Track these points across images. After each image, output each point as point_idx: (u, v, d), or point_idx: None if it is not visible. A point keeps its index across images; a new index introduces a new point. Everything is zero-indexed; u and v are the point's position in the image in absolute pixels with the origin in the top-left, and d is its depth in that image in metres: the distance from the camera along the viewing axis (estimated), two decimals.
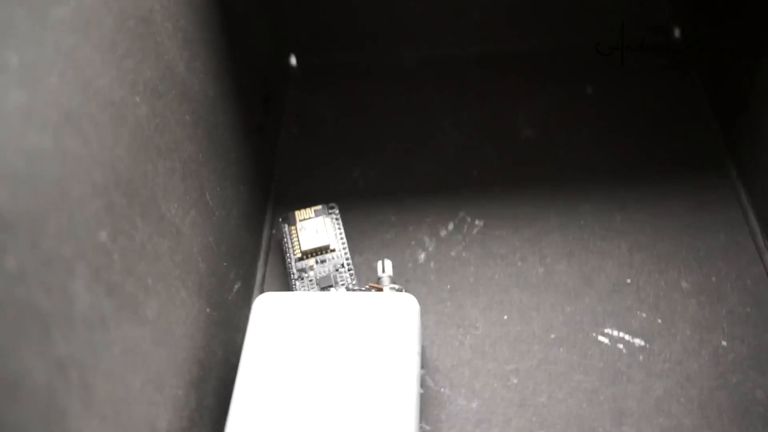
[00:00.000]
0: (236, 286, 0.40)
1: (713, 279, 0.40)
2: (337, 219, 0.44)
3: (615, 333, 0.38)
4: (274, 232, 0.46)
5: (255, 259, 0.44)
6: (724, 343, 0.37)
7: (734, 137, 0.45)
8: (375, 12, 0.52)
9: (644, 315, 0.39)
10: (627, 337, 0.38)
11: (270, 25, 0.53)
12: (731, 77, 0.46)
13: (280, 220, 0.44)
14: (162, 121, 0.32)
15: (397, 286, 0.39)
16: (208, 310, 0.36)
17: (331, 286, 0.41)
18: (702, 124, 0.48)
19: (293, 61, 0.56)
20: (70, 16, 0.25)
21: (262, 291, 0.43)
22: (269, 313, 0.35)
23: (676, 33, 0.53)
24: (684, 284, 0.40)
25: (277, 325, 0.35)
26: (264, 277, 0.44)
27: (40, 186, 0.22)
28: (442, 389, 0.37)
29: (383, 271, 0.40)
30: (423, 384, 0.38)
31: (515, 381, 0.37)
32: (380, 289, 0.38)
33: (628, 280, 0.41)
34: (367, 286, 0.39)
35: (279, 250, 0.45)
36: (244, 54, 0.45)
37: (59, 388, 0.22)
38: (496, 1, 0.52)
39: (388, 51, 0.55)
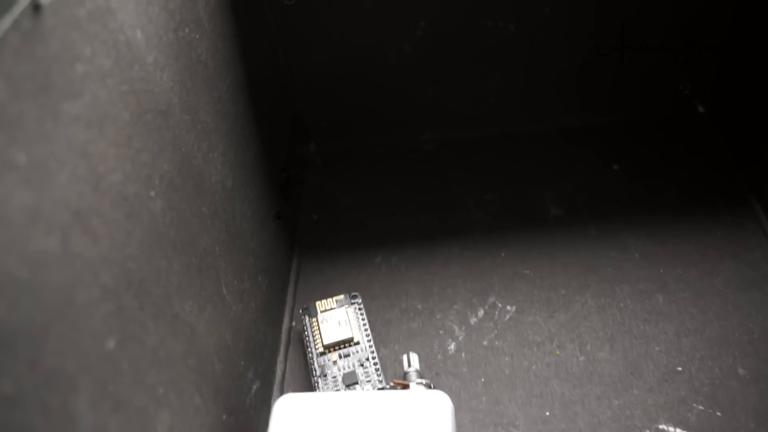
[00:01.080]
0: (255, 387, 0.37)
1: None
2: (360, 309, 0.41)
3: (671, 429, 0.35)
4: (293, 324, 0.43)
5: (275, 354, 0.41)
6: None
7: None
8: (393, 98, 0.52)
9: (701, 407, 0.36)
10: None
11: (290, 113, 0.53)
12: (764, 148, 0.44)
13: (301, 311, 0.42)
14: (178, 214, 0.31)
15: (425, 381, 0.36)
16: (224, 416, 0.33)
17: (356, 383, 0.38)
18: (737, 198, 0.46)
19: (312, 147, 0.55)
20: (85, 112, 0.24)
21: (282, 389, 0.40)
22: (290, 416, 0.33)
23: (700, 108, 0.52)
24: (741, 371, 0.37)
25: (299, 429, 0.32)
26: (284, 373, 0.41)
27: (43, 295, 0.20)
28: None
29: (409, 365, 0.37)
30: None
31: None
32: (407, 386, 0.35)
33: (679, 368, 0.37)
34: (392, 383, 0.36)
35: (300, 343, 0.42)
36: (263, 142, 0.45)
37: None
38: (512, 85, 0.51)
39: (407, 135, 0.54)
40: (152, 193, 0.28)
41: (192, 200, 0.32)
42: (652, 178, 0.48)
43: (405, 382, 0.36)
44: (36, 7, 0.22)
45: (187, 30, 0.34)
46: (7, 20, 0.20)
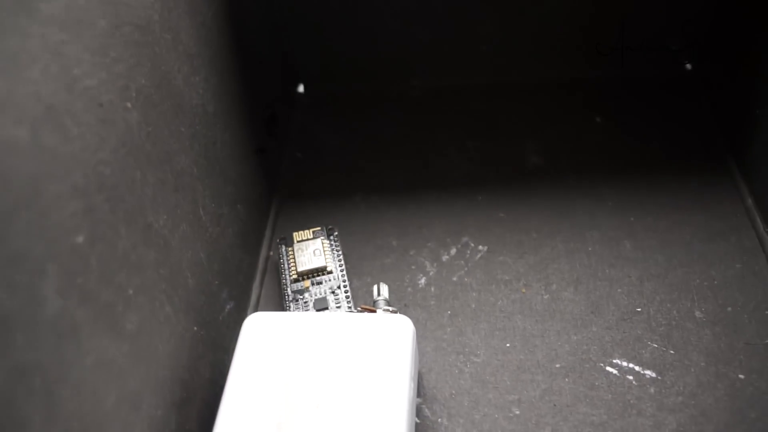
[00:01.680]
0: (228, 306, 0.39)
1: (729, 309, 0.38)
2: (336, 241, 0.43)
3: (624, 364, 0.36)
4: (271, 253, 0.45)
5: (250, 279, 0.43)
6: (741, 376, 0.35)
7: (748, 164, 0.44)
8: (382, 44, 0.52)
9: (655, 345, 0.37)
10: (637, 368, 0.36)
11: (278, 52, 0.53)
12: (743, 106, 0.44)
13: (278, 241, 0.43)
14: (154, 130, 0.31)
15: (391, 309, 0.37)
16: (195, 328, 0.34)
17: (326, 308, 0.39)
18: (715, 152, 0.47)
19: (301, 88, 0.55)
20: (60, 12, 0.24)
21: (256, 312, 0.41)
22: (259, 333, 0.34)
23: (688, 66, 0.52)
24: (698, 314, 0.38)
25: (267, 345, 0.33)
26: (259, 298, 0.42)
27: (12, 179, 0.21)
28: (440, 419, 0.35)
29: (378, 294, 0.38)
30: (419, 414, 0.36)
31: (517, 412, 0.35)
32: (374, 311, 0.37)
33: (639, 309, 0.39)
34: (359, 308, 0.37)
35: (276, 272, 0.43)
36: (250, 77, 0.45)
37: (19, 395, 0.21)
38: (504, 33, 0.51)
39: (396, 80, 0.54)
40: (128, 105, 0.29)
41: (170, 119, 0.33)
42: (634, 131, 0.49)
43: (372, 309, 0.37)
44: None
45: None
46: None
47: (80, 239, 0.25)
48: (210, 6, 0.39)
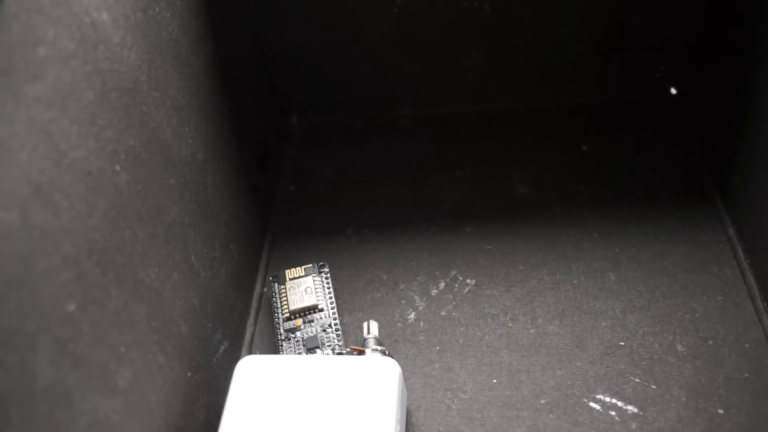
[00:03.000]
0: (223, 347, 0.40)
1: (710, 342, 0.39)
2: (327, 278, 0.44)
3: (607, 399, 0.37)
4: (265, 290, 0.46)
5: (244, 317, 0.44)
6: (720, 411, 0.36)
7: (731, 196, 0.44)
8: (372, 74, 0.53)
9: (638, 380, 0.38)
10: (620, 403, 0.37)
11: (270, 88, 0.54)
12: (727, 138, 0.45)
13: (271, 278, 0.44)
14: (144, 187, 0.33)
15: (380, 348, 0.38)
16: (189, 374, 0.35)
17: (317, 347, 0.40)
18: (698, 183, 0.48)
19: (294, 120, 0.56)
20: (47, 93, 0.26)
21: (250, 351, 0.43)
22: (250, 377, 0.35)
23: (672, 91, 0.53)
24: (680, 347, 0.39)
25: (258, 389, 0.34)
26: (253, 336, 0.43)
27: (1, 263, 0.22)
28: None
29: (368, 332, 0.39)
30: None
31: None
32: (362, 352, 0.38)
33: (622, 343, 0.39)
34: (349, 349, 0.38)
35: (270, 308, 0.44)
36: (240, 116, 0.46)
37: None
38: (487, 64, 0.52)
39: (386, 111, 0.55)
40: (117, 167, 0.30)
41: (159, 173, 0.34)
42: (619, 159, 0.50)
43: (361, 348, 0.38)
44: None
45: (157, 9, 0.35)
46: None
47: (71, 307, 0.26)
48: (198, 56, 0.40)
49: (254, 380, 0.35)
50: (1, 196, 0.23)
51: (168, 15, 0.36)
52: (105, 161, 0.29)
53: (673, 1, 0.48)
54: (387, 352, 0.38)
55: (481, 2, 0.48)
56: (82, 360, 0.26)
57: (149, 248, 0.33)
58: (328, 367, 0.35)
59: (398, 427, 0.33)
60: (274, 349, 0.42)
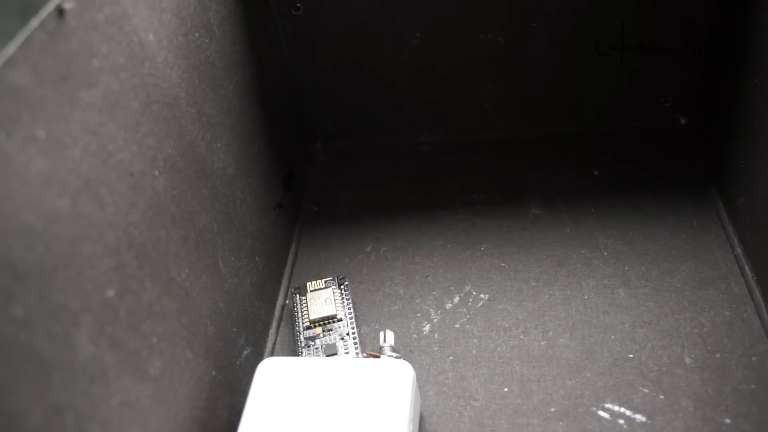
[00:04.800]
0: (245, 352, 0.42)
1: (717, 355, 0.40)
2: (346, 290, 0.46)
3: (616, 408, 0.38)
4: (287, 302, 0.48)
5: (267, 326, 0.46)
6: (727, 420, 0.37)
7: (738, 216, 0.46)
8: (393, 102, 0.56)
9: (646, 390, 0.39)
10: (628, 412, 0.38)
11: (298, 113, 0.57)
12: (733, 161, 0.47)
13: (293, 290, 0.47)
14: (179, 193, 0.35)
15: (395, 355, 0.40)
16: (213, 372, 0.37)
17: (335, 353, 0.42)
18: (706, 204, 0.49)
19: (319, 146, 0.60)
20: (98, 99, 0.29)
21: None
22: (271, 377, 0.37)
23: (682, 120, 0.55)
24: (687, 360, 0.40)
25: (278, 389, 0.36)
26: (275, 344, 0.45)
27: (53, 243, 0.25)
28: None
29: (384, 340, 0.41)
30: None
31: None
32: (378, 357, 0.39)
33: (631, 355, 0.40)
34: (365, 354, 0.40)
35: (291, 319, 0.46)
36: (268, 138, 0.49)
37: (54, 431, 0.24)
38: (503, 93, 0.55)
39: (406, 137, 0.58)
40: (156, 173, 0.33)
41: (193, 182, 0.37)
42: (629, 184, 0.51)
43: (377, 354, 0.40)
44: (60, 12, 0.27)
45: (197, 34, 0.39)
46: (35, 21, 0.25)
47: (111, 293, 0.28)
48: (232, 79, 0.43)
49: (274, 380, 0.37)
50: (56, 185, 0.25)
51: (207, 40, 0.40)
52: (146, 165, 0.32)
53: (674, 1, 0.49)
54: (401, 358, 0.40)
55: (496, 35, 0.51)
56: (118, 343, 0.28)
57: (181, 249, 0.35)
58: (345, 368, 0.37)
59: (411, 427, 0.35)
60: (295, 356, 0.44)
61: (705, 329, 0.41)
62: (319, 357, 0.42)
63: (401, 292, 0.47)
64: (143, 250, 0.31)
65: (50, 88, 0.26)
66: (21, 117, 0.24)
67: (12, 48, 0.24)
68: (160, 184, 0.33)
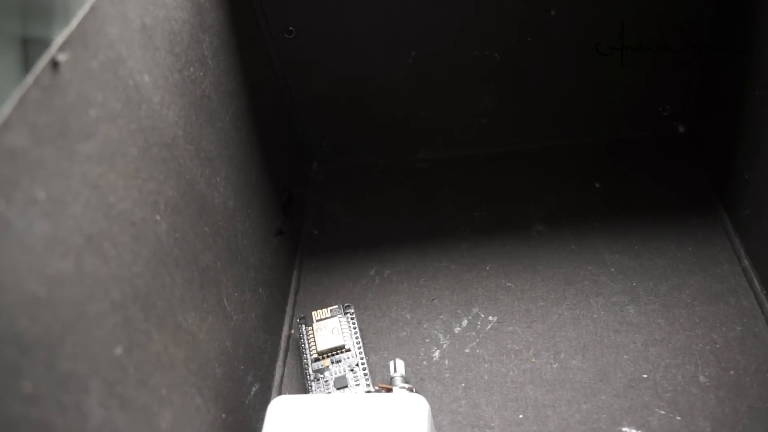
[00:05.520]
0: (254, 389, 0.41)
1: (731, 372, 0.39)
2: (352, 318, 0.45)
3: (633, 431, 0.38)
4: (292, 331, 0.47)
5: (273, 359, 0.45)
6: None
7: (744, 228, 0.46)
8: (388, 121, 0.55)
9: (662, 412, 0.38)
10: None
11: (292, 136, 0.56)
12: (736, 172, 0.46)
13: (298, 320, 0.46)
14: (181, 235, 0.34)
15: (407, 386, 0.39)
16: (224, 415, 0.36)
17: (346, 386, 0.41)
18: (710, 216, 0.49)
19: (315, 167, 0.59)
20: (97, 150, 0.28)
21: (280, 391, 0.44)
22: (282, 417, 0.36)
23: (680, 129, 0.55)
24: (702, 378, 0.39)
25: (290, 428, 0.35)
26: (282, 377, 0.44)
27: (58, 309, 0.24)
28: None
29: (395, 371, 0.40)
30: None
31: None
32: (390, 389, 0.39)
33: (645, 375, 0.40)
34: (377, 387, 0.39)
35: (298, 349, 0.46)
36: (265, 164, 0.48)
37: None
38: (500, 108, 0.54)
39: (402, 154, 0.58)
40: (158, 217, 0.32)
41: (195, 222, 0.36)
42: (631, 195, 0.51)
43: (389, 386, 0.39)
44: (54, 65, 0.26)
45: (192, 69, 0.38)
46: (30, 78, 0.24)
47: (119, 351, 0.27)
48: (228, 109, 0.42)
49: (286, 420, 0.36)
50: (59, 247, 0.25)
51: (201, 74, 0.39)
52: (147, 212, 0.31)
53: (674, 1, 0.48)
54: (414, 390, 0.39)
55: (492, 51, 0.51)
56: (128, 402, 0.28)
57: (186, 293, 0.34)
58: (358, 405, 0.36)
59: None
60: (303, 389, 0.43)
61: (717, 346, 0.41)
62: (330, 393, 0.41)
63: (408, 316, 0.46)
64: (149, 300, 0.30)
65: (48, 145, 0.25)
66: (20, 180, 0.23)
67: (7, 109, 0.23)
68: (162, 229, 0.32)
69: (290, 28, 0.49)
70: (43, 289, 0.23)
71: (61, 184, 0.25)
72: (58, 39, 0.26)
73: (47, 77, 0.25)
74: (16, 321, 0.22)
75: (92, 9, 0.28)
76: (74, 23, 0.27)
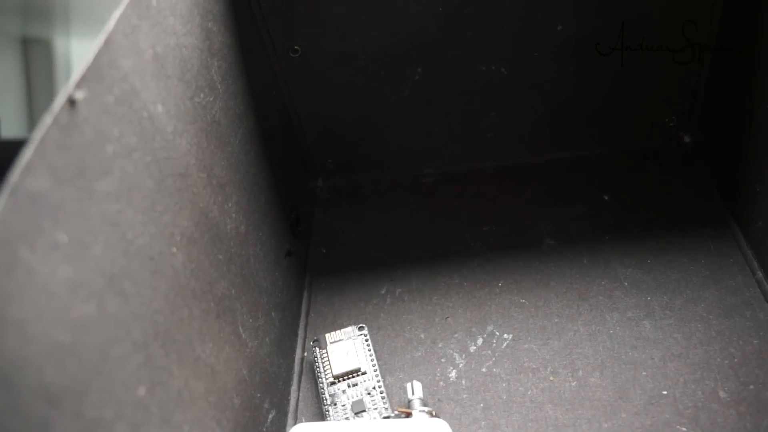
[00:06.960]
0: (270, 416, 0.41)
1: (751, 387, 0.39)
2: (366, 340, 0.44)
3: None
4: (305, 354, 0.47)
5: (288, 384, 0.45)
6: None
7: (756, 240, 0.45)
8: (394, 137, 0.55)
9: (684, 429, 0.38)
10: None
11: (299, 155, 0.56)
12: (747, 184, 0.46)
13: (312, 343, 0.45)
14: (197, 265, 0.34)
15: (427, 409, 0.39)
16: None
17: (363, 410, 0.41)
18: (721, 228, 0.48)
19: (320, 183, 0.58)
20: (115, 187, 0.27)
21: (296, 417, 0.43)
22: None
23: (686, 139, 0.55)
24: (722, 394, 0.39)
25: None
26: (297, 402, 0.44)
27: (83, 354, 0.24)
28: None
29: (413, 393, 0.40)
30: None
31: None
32: (409, 414, 0.38)
33: (665, 392, 0.40)
34: (396, 412, 0.39)
35: (311, 372, 0.45)
36: (274, 185, 0.48)
37: None
38: (506, 122, 0.54)
39: (409, 170, 0.57)
40: (174, 249, 0.32)
41: (209, 250, 0.36)
42: (641, 207, 0.51)
43: (408, 410, 0.39)
44: (72, 103, 0.25)
45: (202, 95, 0.37)
46: (48, 118, 0.24)
47: (142, 392, 0.27)
48: (236, 133, 0.42)
49: None
50: (82, 290, 0.24)
51: (211, 99, 0.38)
52: (164, 245, 0.31)
53: (674, 2, 0.48)
54: (434, 413, 0.39)
55: (498, 66, 0.50)
56: None
57: (203, 324, 0.34)
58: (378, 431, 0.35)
59: None
60: (319, 414, 0.42)
61: (735, 360, 0.41)
62: (348, 418, 0.41)
63: (422, 336, 0.46)
64: (169, 336, 0.30)
65: (68, 186, 0.24)
66: (42, 225, 0.23)
67: (28, 153, 0.22)
68: (179, 261, 0.32)
69: (296, 47, 0.49)
70: (68, 336, 0.23)
71: (81, 225, 0.25)
72: (75, 75, 0.26)
73: (65, 116, 0.25)
74: (44, 372, 0.21)
75: (106, 42, 0.28)
76: (90, 57, 0.27)
